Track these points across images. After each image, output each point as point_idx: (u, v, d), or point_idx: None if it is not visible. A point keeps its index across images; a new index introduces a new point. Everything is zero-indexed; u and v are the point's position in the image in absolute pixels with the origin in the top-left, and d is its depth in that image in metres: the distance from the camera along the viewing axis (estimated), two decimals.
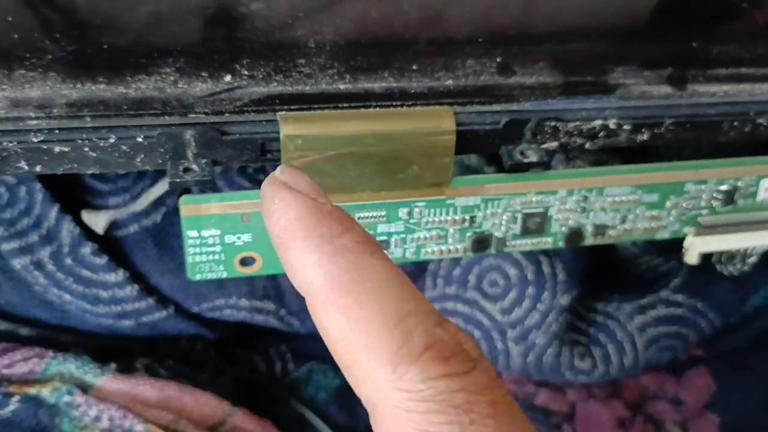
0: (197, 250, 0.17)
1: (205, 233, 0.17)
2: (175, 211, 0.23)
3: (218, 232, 0.17)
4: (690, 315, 0.26)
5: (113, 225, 0.23)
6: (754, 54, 0.20)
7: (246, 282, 0.24)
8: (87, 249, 0.22)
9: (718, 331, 0.27)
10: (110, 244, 0.22)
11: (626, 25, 0.20)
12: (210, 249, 0.17)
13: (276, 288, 0.24)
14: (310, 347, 0.27)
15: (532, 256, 0.24)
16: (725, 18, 0.21)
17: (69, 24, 0.17)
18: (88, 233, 0.22)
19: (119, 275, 0.22)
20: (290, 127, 0.16)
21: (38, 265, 0.22)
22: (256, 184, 0.23)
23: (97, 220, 0.17)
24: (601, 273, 0.27)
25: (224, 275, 0.18)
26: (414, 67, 0.18)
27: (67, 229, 0.22)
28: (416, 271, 0.25)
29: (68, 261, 0.22)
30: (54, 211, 0.22)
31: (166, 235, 0.23)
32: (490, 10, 0.20)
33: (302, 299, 0.25)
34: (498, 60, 0.18)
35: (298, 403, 0.26)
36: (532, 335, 0.25)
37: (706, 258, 0.22)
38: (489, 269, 0.25)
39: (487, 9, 0.20)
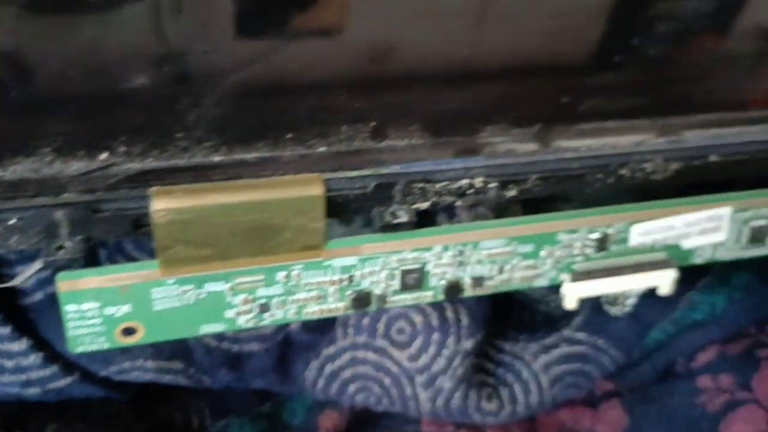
0: (77, 323, 0.18)
1: (84, 306, 0.18)
2: None
3: (97, 305, 0.18)
4: (592, 352, 0.27)
5: (18, 293, 0.23)
6: (617, 107, 0.21)
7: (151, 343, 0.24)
8: None
9: (624, 366, 0.28)
10: (13, 313, 0.23)
11: (498, 84, 0.21)
12: (90, 322, 0.18)
13: (183, 347, 0.24)
14: (228, 401, 0.28)
15: (436, 302, 0.25)
16: (594, 73, 0.22)
17: None
18: None
19: (23, 344, 0.22)
20: (162, 201, 0.17)
21: None
22: (141, 254, 0.23)
23: None
24: (509, 313, 0.28)
25: (106, 346, 0.18)
26: (289, 136, 0.19)
27: None
28: (327, 323, 0.26)
29: None
30: None
31: None
32: (366, 74, 0.21)
33: (212, 356, 0.25)
34: (372, 125, 0.20)
35: None
36: (439, 380, 0.26)
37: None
38: (396, 317, 0.26)
39: (362, 74, 0.21)
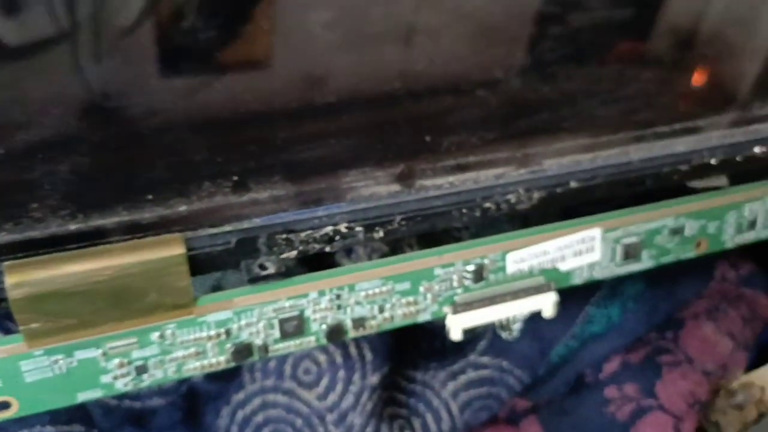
0: None
1: None
2: None
3: None
4: (498, 374, 0.27)
5: None
6: (480, 141, 0.22)
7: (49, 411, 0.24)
8: None
9: (536, 383, 0.29)
10: None
11: (360, 127, 0.22)
12: None
13: (81, 409, 0.24)
14: None
15: None
16: (454, 108, 0.23)
17: None
18: None
19: None
20: (16, 275, 0.17)
21: None
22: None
23: None
24: (418, 341, 0.29)
25: None
26: (149, 197, 0.19)
27: None
28: (233, 369, 0.26)
29: None
30: None
31: None
32: (225, 127, 0.21)
33: (113, 416, 0.25)
34: (234, 179, 0.20)
35: None
36: (350, 417, 0.26)
37: None
38: (302, 358, 0.26)
39: (222, 127, 0.21)
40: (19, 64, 0.18)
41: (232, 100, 0.20)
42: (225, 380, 0.26)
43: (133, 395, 0.25)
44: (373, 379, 0.26)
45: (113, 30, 0.19)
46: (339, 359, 0.26)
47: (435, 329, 0.29)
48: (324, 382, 0.26)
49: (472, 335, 0.28)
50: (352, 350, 0.26)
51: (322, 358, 0.26)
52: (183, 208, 0.19)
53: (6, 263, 0.17)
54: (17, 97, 0.18)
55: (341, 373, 0.26)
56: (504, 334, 0.24)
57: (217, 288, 0.23)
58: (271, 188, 0.20)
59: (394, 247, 0.26)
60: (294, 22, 0.21)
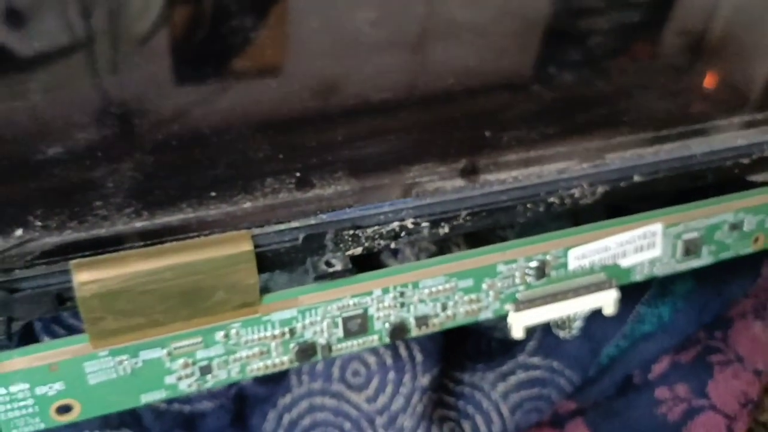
0: (8, 407, 0.17)
1: (13, 389, 0.17)
2: None
3: (27, 386, 0.17)
4: (548, 375, 0.27)
5: None
6: (540, 136, 0.21)
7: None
8: None
9: (584, 384, 0.28)
10: None
11: (421, 123, 0.22)
12: (21, 404, 0.17)
13: (131, 413, 0.24)
14: None
15: None
16: (514, 104, 0.23)
17: None
18: None
19: None
20: (84, 274, 0.16)
21: None
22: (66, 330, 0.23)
23: None
24: (464, 343, 0.28)
25: (42, 427, 0.17)
26: (212, 194, 0.19)
27: None
28: (279, 372, 0.26)
29: None
30: None
31: None
32: (287, 124, 0.21)
33: (163, 420, 0.25)
34: (297, 175, 0.19)
35: None
36: (400, 419, 0.25)
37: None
38: (350, 360, 0.26)
39: (283, 124, 0.21)
40: (80, 63, 0.18)
41: (291, 99, 0.20)
42: (273, 383, 0.26)
43: (183, 399, 0.24)
44: (424, 380, 0.25)
45: (176, 30, 0.18)
46: (389, 361, 0.25)
47: (480, 329, 0.29)
48: (374, 384, 0.25)
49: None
50: (402, 351, 0.25)
51: (371, 359, 0.25)
52: (248, 204, 0.19)
53: (73, 262, 0.17)
54: (78, 97, 0.18)
55: (391, 375, 0.25)
56: (561, 333, 0.23)
57: (264, 290, 0.23)
58: (335, 184, 0.19)
59: (441, 247, 0.26)
60: (343, 22, 0.20)
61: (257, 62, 0.20)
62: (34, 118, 0.18)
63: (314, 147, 0.20)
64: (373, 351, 0.25)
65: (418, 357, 0.26)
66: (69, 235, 0.17)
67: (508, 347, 0.28)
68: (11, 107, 0.18)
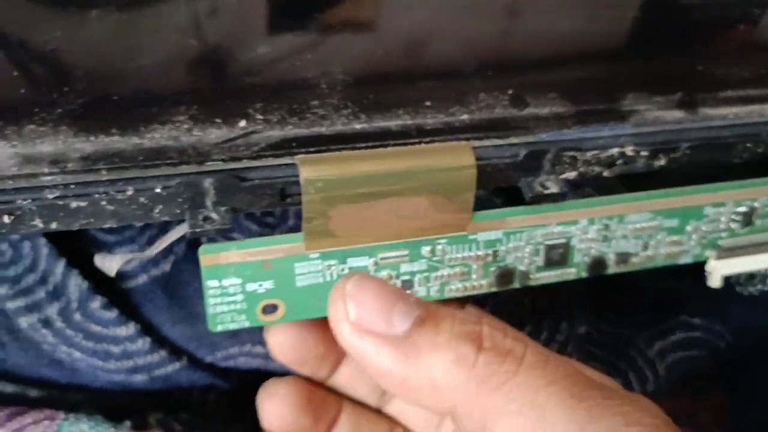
0: (218, 300, 0.17)
1: (225, 282, 0.17)
2: (184, 260, 0.22)
3: (239, 281, 0.17)
4: (709, 337, 0.26)
5: (122, 277, 0.22)
6: (758, 75, 0.20)
7: (260, 328, 0.23)
8: (96, 303, 0.21)
9: (734, 351, 0.27)
10: (119, 297, 0.22)
11: (634, 51, 0.20)
12: (231, 299, 0.17)
13: None
14: None
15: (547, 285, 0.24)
16: (728, 40, 0.21)
17: (77, 76, 0.17)
18: (96, 287, 0.21)
19: (130, 328, 0.21)
20: (310, 170, 0.16)
21: (46, 322, 0.21)
22: (266, 228, 0.22)
23: (110, 264, 0.17)
24: (619, 298, 0.27)
25: (246, 325, 0.17)
26: (427, 104, 0.18)
27: (75, 284, 0.21)
28: None
29: (77, 317, 0.21)
30: (60, 266, 0.21)
31: (176, 284, 0.22)
32: (499, 42, 0.20)
33: None
34: (510, 92, 0.18)
35: None
36: None
37: (725, 279, 0.22)
38: (505, 301, 0.25)
39: (496, 41, 0.20)
40: None
41: (502, 16, 0.19)
42: None
43: None
44: (581, 329, 0.25)
45: None
46: (545, 304, 0.24)
47: (636, 286, 0.28)
48: (528, 329, 0.25)
49: (680, 294, 0.27)
50: (561, 296, 0.24)
51: (526, 300, 0.24)
52: (465, 116, 0.18)
53: (299, 157, 0.16)
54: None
55: (548, 322, 0.24)
56: (750, 288, 0.22)
57: None
58: (550, 105, 0.18)
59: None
60: None
61: None
62: (244, 20, 0.18)
63: (525, 66, 0.19)
64: (528, 292, 0.24)
65: (577, 304, 0.25)
66: (291, 131, 0.17)
67: (667, 305, 0.26)
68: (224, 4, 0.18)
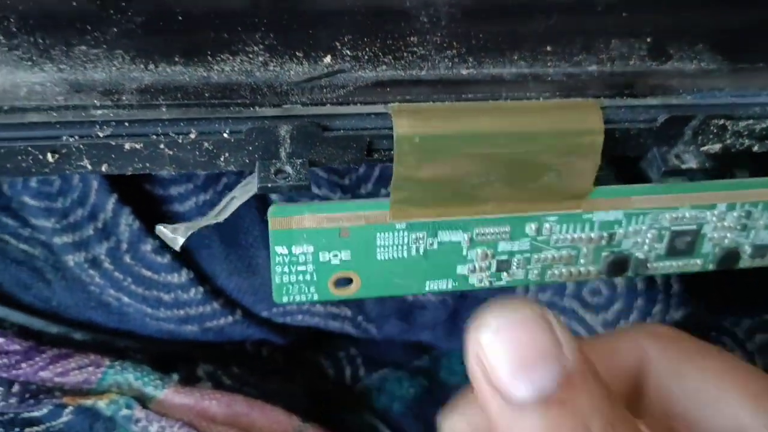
0: (286, 269, 0.14)
1: (295, 250, 0.14)
2: (245, 205, 0.20)
3: (311, 249, 0.14)
4: None
5: (177, 219, 0.20)
6: None
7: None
8: (147, 246, 0.19)
9: None
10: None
11: None
12: (301, 268, 0.14)
13: None
14: (383, 352, 0.25)
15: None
16: None
17: None
18: (148, 227, 0.20)
19: (183, 276, 0.20)
20: (406, 123, 0.13)
21: (94, 262, 0.19)
22: (341, 190, 0.20)
23: (174, 236, 0.14)
24: (718, 282, 0.24)
25: (315, 298, 0.15)
26: (548, 48, 0.15)
27: (126, 223, 0.19)
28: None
29: (127, 259, 0.19)
30: (111, 202, 0.19)
31: (235, 232, 0.20)
32: None
33: (382, 305, 0.22)
34: (648, 41, 0.15)
35: (371, 415, 0.23)
36: None
37: None
38: None
39: None
40: None
41: None
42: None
43: None
44: (676, 315, 0.22)
45: None
46: (640, 285, 0.22)
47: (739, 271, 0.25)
48: (616, 307, 0.22)
49: None
50: (658, 277, 0.22)
51: (619, 280, 0.22)
52: (593, 68, 0.14)
53: (393, 106, 0.13)
54: None
55: (639, 302, 0.22)
56: None
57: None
58: (698, 59, 0.15)
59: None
60: None
61: None
62: None
63: (666, 11, 0.16)
64: None
65: (676, 287, 0.22)
66: (384, 72, 0.14)
67: (766, 296, 0.23)
68: None
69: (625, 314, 0.22)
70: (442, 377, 0.25)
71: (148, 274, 0.19)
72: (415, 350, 0.25)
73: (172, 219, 0.20)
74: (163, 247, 0.19)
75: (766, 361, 0.23)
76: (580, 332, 0.22)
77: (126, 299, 0.19)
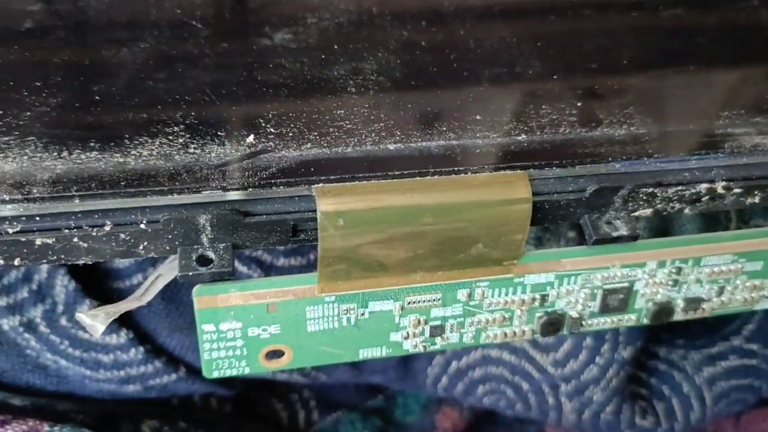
0: (215, 345, 0.14)
1: (223, 327, 0.14)
2: None
3: (239, 326, 0.14)
4: (766, 366, 0.23)
5: (114, 277, 0.20)
6: None
7: None
8: (84, 307, 0.19)
9: None
10: (110, 301, 0.19)
11: (729, 63, 0.17)
12: (230, 344, 0.14)
13: None
14: (336, 394, 0.25)
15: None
16: None
17: (51, 71, 0.14)
18: (85, 288, 0.19)
19: (122, 337, 0.19)
20: (329, 202, 0.13)
21: (29, 326, 0.19)
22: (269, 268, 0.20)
23: (94, 323, 0.14)
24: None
25: (246, 372, 0.15)
26: (477, 117, 0.15)
27: (61, 284, 0.19)
28: None
29: (63, 321, 0.19)
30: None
31: (175, 288, 0.20)
32: (567, 43, 0.16)
33: None
34: (578, 105, 0.15)
35: None
36: (589, 391, 0.22)
37: None
38: None
39: (562, 42, 0.16)
40: None
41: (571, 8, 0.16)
42: None
43: None
44: (625, 353, 0.22)
45: None
46: None
47: None
48: (565, 347, 0.22)
49: (736, 316, 0.24)
50: None
51: None
52: (522, 137, 0.14)
53: (317, 187, 0.13)
54: None
55: (588, 341, 0.22)
56: None
57: None
58: (627, 123, 0.15)
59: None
60: None
61: None
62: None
63: (598, 72, 0.16)
64: None
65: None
66: (308, 150, 0.14)
67: (719, 328, 0.24)
68: None
69: (575, 353, 0.22)
70: (396, 417, 0.25)
71: (86, 336, 0.19)
72: (370, 390, 0.25)
73: (109, 278, 0.19)
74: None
75: (714, 394, 0.23)
76: (531, 372, 0.22)
77: (64, 362, 0.19)
